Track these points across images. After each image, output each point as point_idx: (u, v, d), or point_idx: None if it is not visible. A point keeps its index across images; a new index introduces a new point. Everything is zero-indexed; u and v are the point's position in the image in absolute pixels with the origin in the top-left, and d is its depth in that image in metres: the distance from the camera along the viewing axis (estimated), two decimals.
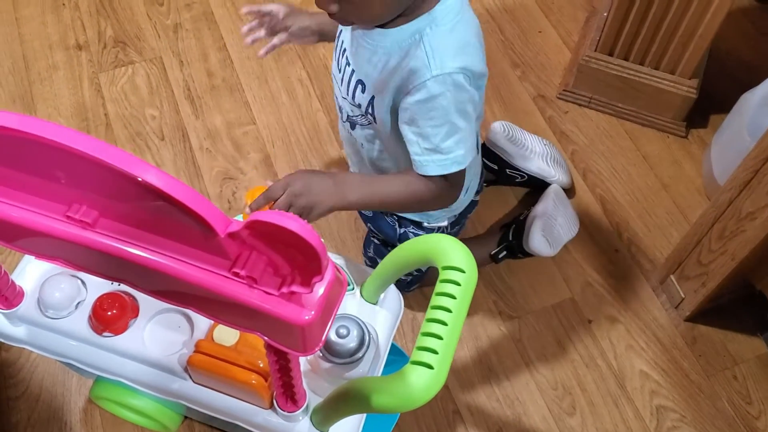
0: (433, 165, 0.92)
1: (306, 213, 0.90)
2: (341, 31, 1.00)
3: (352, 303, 0.90)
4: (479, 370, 1.23)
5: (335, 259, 0.94)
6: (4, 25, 1.63)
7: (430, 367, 0.64)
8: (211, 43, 1.62)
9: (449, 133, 0.90)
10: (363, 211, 1.24)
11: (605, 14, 1.47)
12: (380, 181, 1.01)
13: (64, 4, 1.67)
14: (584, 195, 1.43)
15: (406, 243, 0.79)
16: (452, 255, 0.71)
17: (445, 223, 1.15)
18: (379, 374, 0.86)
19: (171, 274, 0.57)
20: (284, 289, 0.55)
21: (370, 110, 0.96)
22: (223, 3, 1.68)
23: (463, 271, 0.70)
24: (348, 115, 1.02)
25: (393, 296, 0.93)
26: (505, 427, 1.18)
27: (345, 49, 0.98)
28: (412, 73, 0.88)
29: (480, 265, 0.75)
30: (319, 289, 0.57)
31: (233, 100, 1.53)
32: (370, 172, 1.10)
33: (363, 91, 0.96)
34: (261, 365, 0.77)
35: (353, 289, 0.91)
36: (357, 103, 0.98)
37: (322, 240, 0.53)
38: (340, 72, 1.00)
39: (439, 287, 0.70)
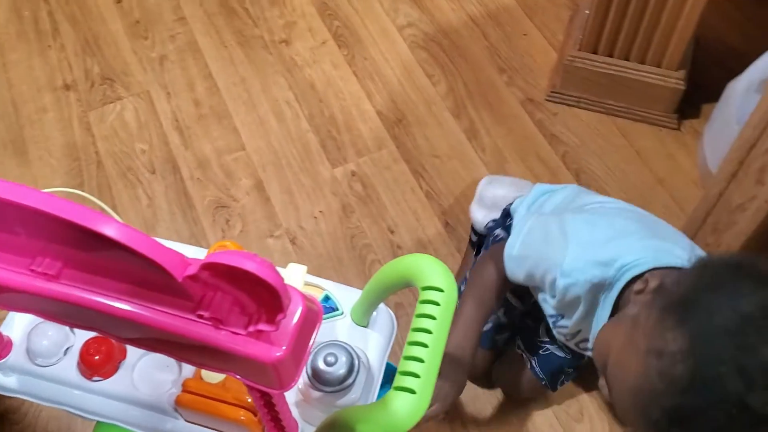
0: None
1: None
2: None
3: (342, 328, 0.89)
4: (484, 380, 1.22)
5: (323, 284, 0.93)
6: None
7: (412, 391, 0.63)
8: (197, 72, 1.62)
9: None
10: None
11: (587, 12, 1.46)
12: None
13: (50, 46, 1.68)
14: None
15: (387, 264, 0.78)
16: (430, 274, 0.70)
17: None
18: (375, 398, 0.85)
19: (136, 321, 0.56)
20: (251, 328, 0.55)
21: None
22: (207, 31, 1.69)
23: (442, 290, 0.69)
24: None
25: (384, 317, 0.92)
26: None
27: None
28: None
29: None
30: (289, 325, 0.56)
31: (222, 128, 1.53)
32: None
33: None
34: (249, 400, 0.76)
35: (342, 313, 0.90)
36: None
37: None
38: None
39: (419, 308, 0.69)
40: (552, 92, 1.52)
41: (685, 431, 0.66)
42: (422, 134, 1.51)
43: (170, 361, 0.84)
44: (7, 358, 0.85)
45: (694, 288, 0.69)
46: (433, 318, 0.67)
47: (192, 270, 0.52)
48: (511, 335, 1.16)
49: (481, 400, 1.20)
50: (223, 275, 0.53)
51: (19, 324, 0.88)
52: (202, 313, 0.54)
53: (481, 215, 1.26)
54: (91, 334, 0.85)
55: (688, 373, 0.64)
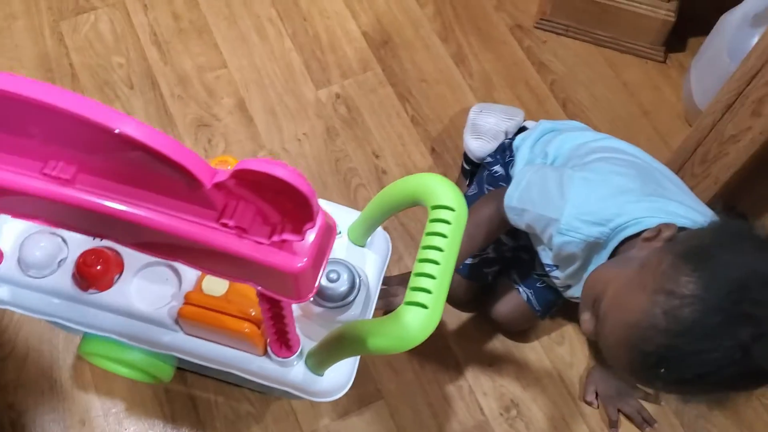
0: None
1: None
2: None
3: (340, 247, 0.89)
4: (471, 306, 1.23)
5: (321, 203, 0.92)
6: None
7: (424, 306, 0.64)
8: None
9: None
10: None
11: None
12: None
13: None
14: None
15: (392, 184, 0.78)
16: (441, 193, 0.70)
17: None
18: (371, 316, 0.85)
19: (156, 228, 0.55)
20: (275, 238, 0.54)
21: None
22: None
23: (453, 209, 0.69)
24: None
25: (380, 238, 0.92)
26: (497, 360, 1.19)
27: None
28: None
29: None
30: (311, 236, 0.56)
31: (202, 43, 1.48)
32: None
33: None
34: (253, 313, 0.76)
35: (340, 233, 0.90)
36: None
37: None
38: None
39: (430, 227, 0.69)
40: (541, 19, 1.50)
41: (670, 371, 0.68)
42: (409, 57, 1.48)
43: (169, 275, 0.83)
44: None
45: (712, 243, 0.72)
46: (444, 236, 0.67)
47: (221, 177, 0.50)
48: (502, 268, 1.18)
49: (466, 325, 1.22)
50: (250, 184, 0.52)
51: (8, 234, 0.86)
52: (226, 221, 0.53)
53: (476, 144, 1.25)
54: (87, 246, 0.83)
55: (693, 317, 0.67)
